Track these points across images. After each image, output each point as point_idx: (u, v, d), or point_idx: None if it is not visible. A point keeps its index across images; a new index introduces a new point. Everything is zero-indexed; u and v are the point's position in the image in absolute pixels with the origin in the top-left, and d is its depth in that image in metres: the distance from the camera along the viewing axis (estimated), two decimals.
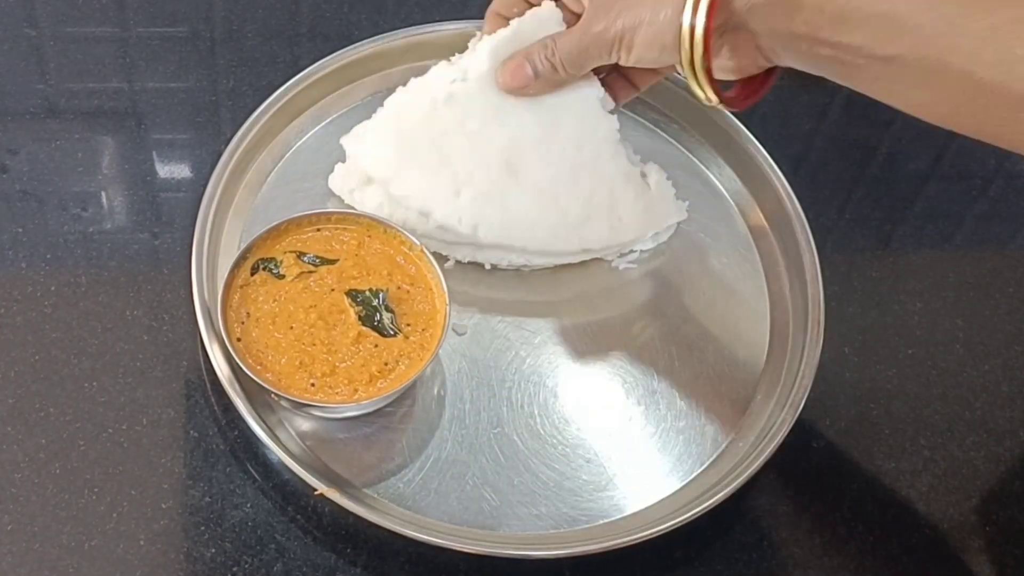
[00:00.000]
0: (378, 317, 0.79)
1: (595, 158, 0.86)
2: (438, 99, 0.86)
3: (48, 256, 0.88)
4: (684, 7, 0.72)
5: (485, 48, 0.85)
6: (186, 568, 0.76)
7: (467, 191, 0.84)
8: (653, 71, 0.86)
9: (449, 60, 0.88)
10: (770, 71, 0.79)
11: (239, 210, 0.89)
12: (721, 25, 0.73)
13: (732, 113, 0.95)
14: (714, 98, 0.76)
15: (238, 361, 0.76)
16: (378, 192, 0.86)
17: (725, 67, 0.78)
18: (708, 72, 0.74)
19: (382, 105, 0.89)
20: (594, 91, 0.86)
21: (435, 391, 0.83)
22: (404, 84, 0.88)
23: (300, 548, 0.77)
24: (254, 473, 0.80)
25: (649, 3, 0.75)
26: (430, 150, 0.85)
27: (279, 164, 0.92)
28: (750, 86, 0.80)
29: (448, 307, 0.79)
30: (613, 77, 0.87)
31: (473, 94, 0.85)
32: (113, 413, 0.81)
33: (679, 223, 0.92)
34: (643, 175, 0.89)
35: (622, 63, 0.79)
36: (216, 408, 0.82)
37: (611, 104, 0.86)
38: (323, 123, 0.95)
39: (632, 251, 0.90)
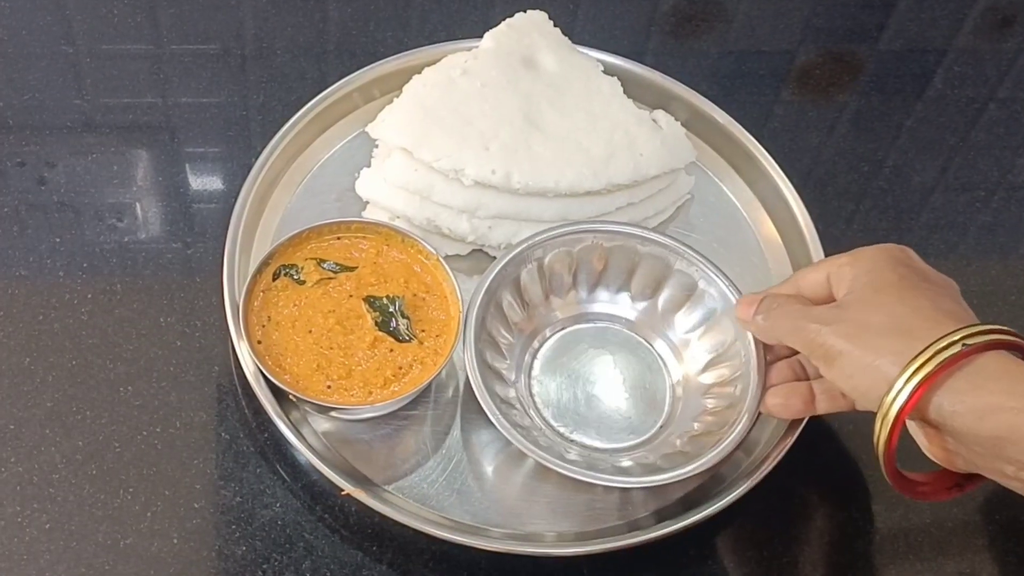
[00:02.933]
0: (394, 323, 0.80)
1: (606, 108, 0.91)
2: (454, 75, 0.90)
3: (85, 265, 0.89)
4: (894, 382, 0.67)
5: (488, 35, 0.92)
6: (218, 565, 0.77)
7: (495, 144, 0.87)
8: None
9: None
10: (974, 476, 0.73)
11: (269, 220, 0.90)
12: (921, 418, 0.69)
13: (745, 128, 0.97)
14: (888, 479, 0.72)
15: (257, 363, 0.77)
16: (406, 162, 0.87)
17: (930, 451, 0.72)
18: (888, 454, 0.69)
19: (400, 91, 0.91)
20: (592, 62, 0.95)
21: (453, 394, 0.84)
22: None
23: (328, 546, 0.78)
24: (283, 474, 0.80)
25: (870, 368, 0.69)
26: (453, 116, 0.87)
27: (307, 177, 0.93)
28: (948, 480, 0.74)
29: (462, 315, 0.80)
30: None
31: (485, 67, 0.90)
32: (147, 416, 0.82)
33: (693, 237, 0.93)
34: (654, 120, 0.93)
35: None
36: (246, 411, 0.83)
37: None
38: (349, 137, 0.96)
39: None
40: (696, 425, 0.82)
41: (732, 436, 0.77)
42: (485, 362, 0.81)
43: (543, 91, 0.90)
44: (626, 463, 0.80)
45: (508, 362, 0.84)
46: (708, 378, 0.84)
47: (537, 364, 0.86)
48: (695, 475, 0.77)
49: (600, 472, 0.76)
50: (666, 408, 0.84)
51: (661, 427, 0.83)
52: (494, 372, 0.82)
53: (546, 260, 0.85)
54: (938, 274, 0.75)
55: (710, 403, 0.82)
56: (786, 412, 0.79)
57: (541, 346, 0.87)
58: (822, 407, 0.77)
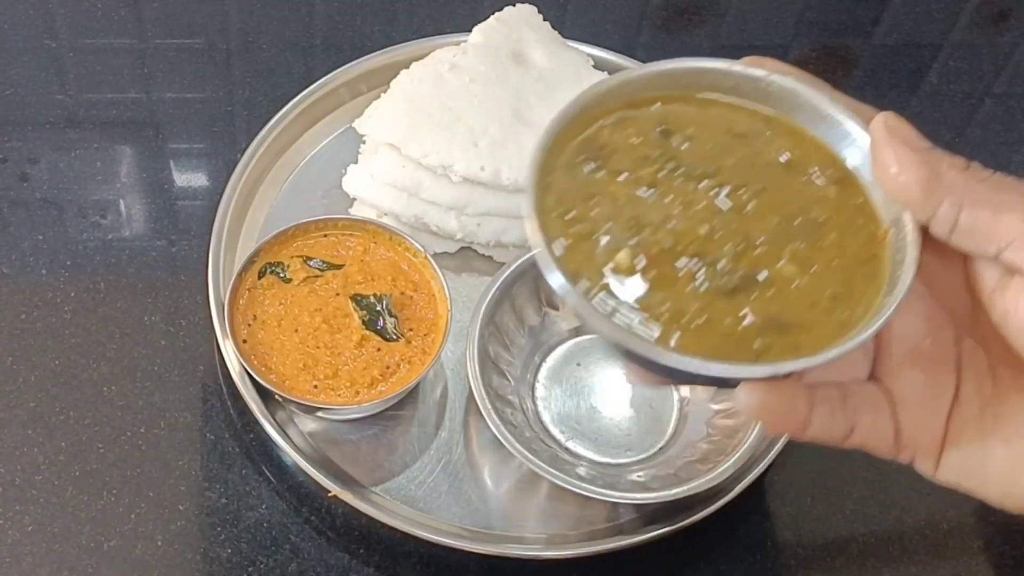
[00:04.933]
0: (381, 322, 0.79)
1: None
2: (442, 70, 0.89)
3: (68, 263, 0.88)
4: None
5: (477, 29, 0.92)
6: (203, 568, 0.76)
7: (483, 140, 0.86)
8: None
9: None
10: None
11: (254, 218, 0.90)
12: None
13: None
14: None
15: (243, 362, 0.77)
16: (394, 158, 0.87)
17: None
18: None
19: (387, 86, 0.90)
20: (582, 56, 0.94)
21: (442, 395, 0.84)
22: None
23: (314, 548, 0.77)
24: (269, 475, 0.80)
25: None
26: (442, 111, 0.87)
27: (293, 173, 0.93)
28: None
29: (450, 313, 0.79)
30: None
31: (474, 62, 0.90)
32: (131, 416, 0.81)
33: None
34: None
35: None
36: (232, 411, 0.82)
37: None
38: (336, 133, 0.95)
39: None
40: (692, 451, 0.81)
41: (725, 466, 0.76)
42: (487, 354, 0.80)
43: (533, 86, 0.90)
44: (613, 477, 0.79)
45: (515, 360, 0.84)
46: (715, 405, 0.83)
47: (545, 367, 0.85)
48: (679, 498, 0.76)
49: (584, 482, 0.75)
50: (670, 430, 0.83)
51: (661, 449, 0.82)
52: (496, 367, 0.82)
53: None
54: None
55: (711, 431, 0.81)
56: (774, 416, 0.52)
57: (553, 350, 0.86)
58: (817, 425, 0.52)
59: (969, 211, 0.47)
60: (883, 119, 0.50)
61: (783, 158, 0.54)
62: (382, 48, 0.98)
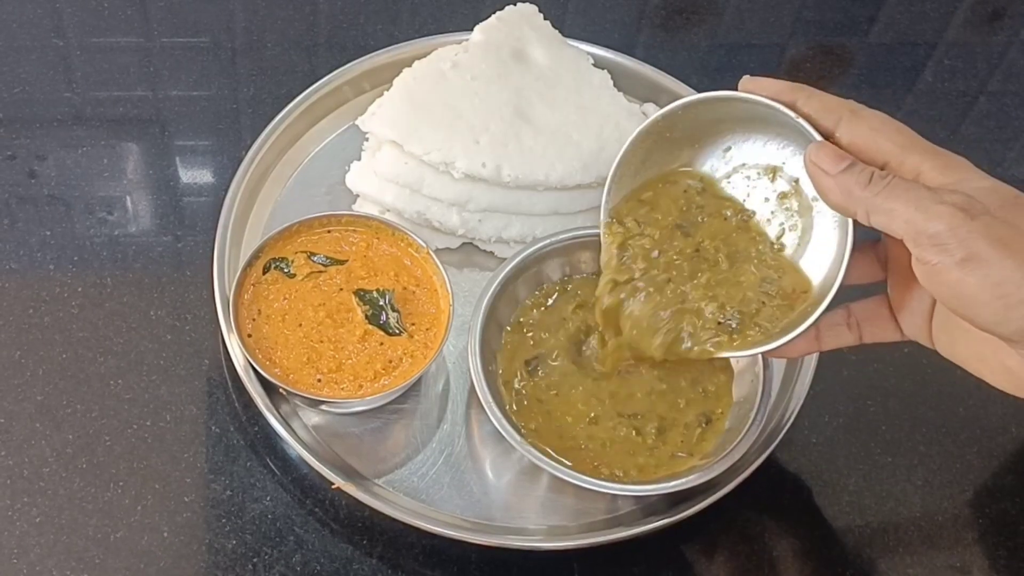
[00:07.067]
0: (384, 316, 0.80)
1: (596, 101, 0.91)
2: (444, 68, 0.90)
3: (75, 258, 0.89)
4: None
5: (478, 28, 0.92)
6: (208, 559, 0.77)
7: (485, 137, 0.87)
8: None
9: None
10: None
11: (259, 214, 0.90)
12: None
13: None
14: None
15: (248, 356, 0.77)
16: (396, 155, 0.87)
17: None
18: None
19: (390, 84, 0.91)
20: (582, 55, 0.95)
21: (444, 388, 0.84)
22: None
23: (318, 540, 0.78)
24: (273, 467, 0.80)
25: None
26: (444, 109, 0.87)
27: (297, 170, 0.94)
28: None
29: (452, 308, 0.80)
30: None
31: (475, 60, 0.90)
32: (137, 410, 0.82)
33: None
34: (644, 114, 0.92)
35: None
36: (237, 405, 0.83)
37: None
38: (340, 130, 0.96)
39: None
40: None
41: (723, 459, 0.77)
42: (489, 348, 0.81)
43: (533, 84, 0.90)
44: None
45: None
46: None
47: None
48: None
49: (587, 476, 0.76)
50: None
51: None
52: (497, 360, 0.82)
53: (570, 259, 0.85)
54: None
55: None
56: (791, 351, 0.74)
57: None
58: (828, 343, 0.73)
59: (874, 217, 0.63)
60: (808, 155, 0.66)
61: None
62: (385, 47, 0.98)
